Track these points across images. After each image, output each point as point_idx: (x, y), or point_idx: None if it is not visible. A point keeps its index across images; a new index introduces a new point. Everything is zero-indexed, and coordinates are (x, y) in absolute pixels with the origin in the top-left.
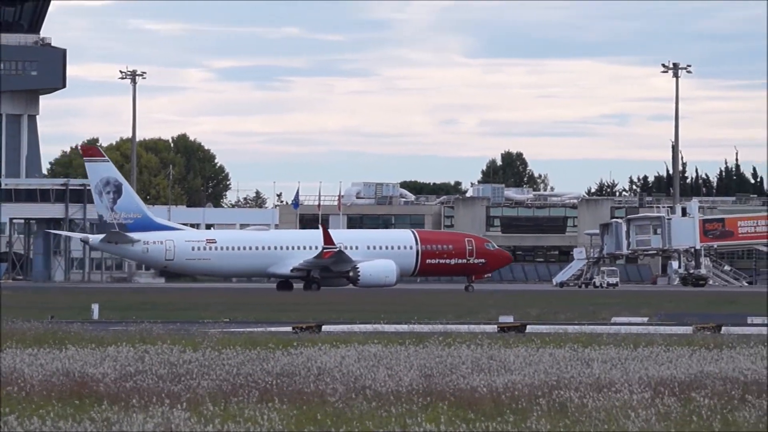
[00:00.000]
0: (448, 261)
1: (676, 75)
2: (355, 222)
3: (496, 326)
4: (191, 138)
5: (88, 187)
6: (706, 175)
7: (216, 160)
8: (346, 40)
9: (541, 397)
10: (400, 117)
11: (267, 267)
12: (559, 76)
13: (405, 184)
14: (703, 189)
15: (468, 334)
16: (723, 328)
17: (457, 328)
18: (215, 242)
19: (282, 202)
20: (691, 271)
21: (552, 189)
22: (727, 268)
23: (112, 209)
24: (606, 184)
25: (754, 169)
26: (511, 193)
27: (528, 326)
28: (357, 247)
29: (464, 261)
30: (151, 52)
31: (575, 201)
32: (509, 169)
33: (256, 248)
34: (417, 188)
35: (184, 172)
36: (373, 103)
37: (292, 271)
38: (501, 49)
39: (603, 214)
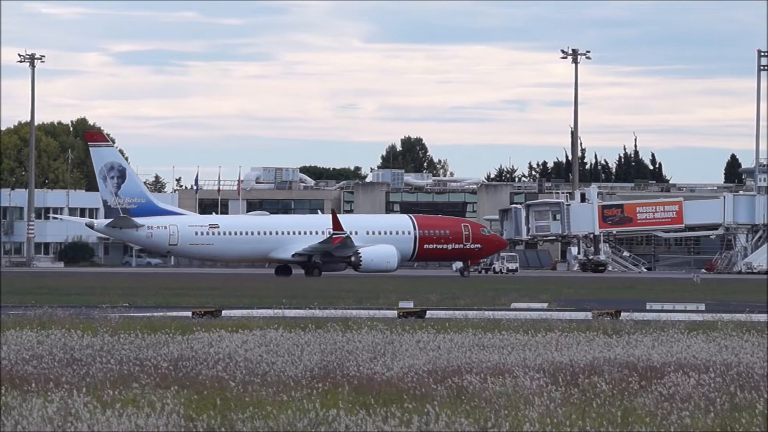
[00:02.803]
0: (445, 246)
1: (575, 61)
2: (255, 207)
3: (396, 312)
4: (90, 122)
5: None
6: (605, 161)
7: (115, 144)
8: (244, 25)
9: (440, 382)
10: (299, 102)
11: (269, 252)
12: (457, 61)
13: (305, 169)
14: (602, 175)
15: (368, 320)
16: (622, 314)
17: (357, 313)
18: (218, 227)
19: (181, 186)
20: (591, 257)
21: (452, 174)
22: (626, 254)
23: (116, 194)
24: (505, 169)
25: (653, 155)
26: (411, 178)
27: (428, 312)
28: (356, 233)
29: (461, 246)
30: (49, 35)
31: (475, 186)
32: (409, 155)
33: (259, 233)
34: (317, 173)
35: (83, 156)
36: (271, 88)
37: (293, 256)
38: (399, 34)
39: (502, 199)
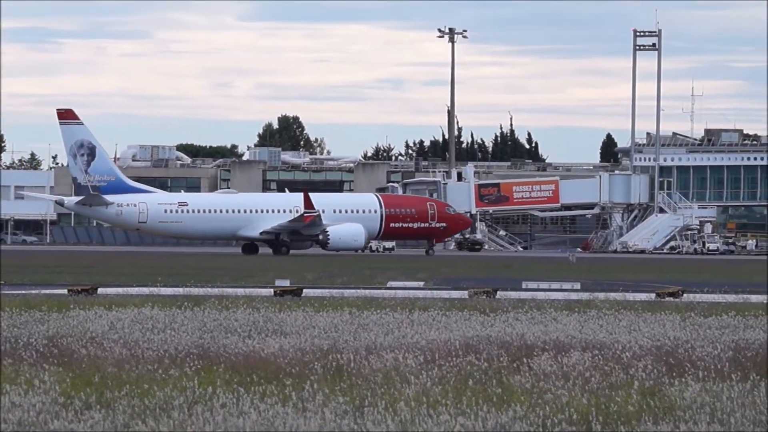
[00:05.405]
0: (411, 225)
1: (452, 40)
2: None
3: (272, 290)
4: None
5: None
6: (482, 140)
7: None
8: (119, 2)
9: (318, 360)
10: (175, 80)
11: (237, 230)
12: (334, 40)
13: (181, 147)
14: (479, 154)
15: (245, 298)
16: (498, 293)
17: (234, 291)
18: (187, 205)
19: (57, 164)
20: (467, 236)
21: (329, 153)
22: (502, 233)
23: (86, 171)
24: (382, 148)
25: (529, 134)
26: (288, 156)
27: (305, 290)
28: (323, 211)
29: (426, 225)
30: None
31: (351, 165)
32: (286, 133)
33: (227, 211)
34: (193, 151)
35: None
36: (147, 66)
37: (261, 234)
38: (275, 13)
39: (379, 178)
